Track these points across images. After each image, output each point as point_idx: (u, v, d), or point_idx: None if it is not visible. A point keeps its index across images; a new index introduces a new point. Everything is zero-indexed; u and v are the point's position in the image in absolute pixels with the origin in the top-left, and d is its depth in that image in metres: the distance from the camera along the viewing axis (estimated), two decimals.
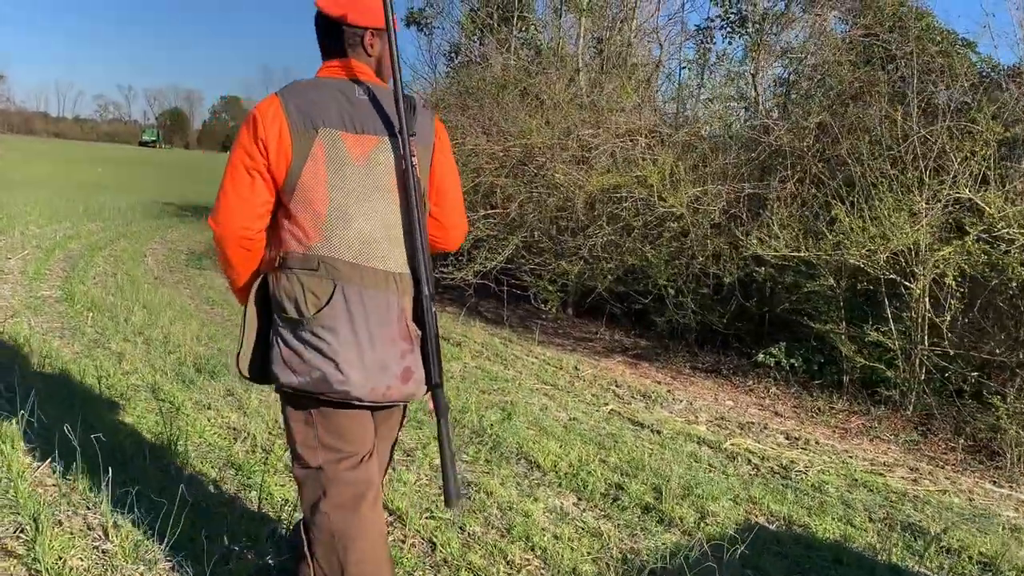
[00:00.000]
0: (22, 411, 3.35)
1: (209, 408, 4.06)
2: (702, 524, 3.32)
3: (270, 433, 3.79)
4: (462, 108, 7.62)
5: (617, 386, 5.57)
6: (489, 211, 7.21)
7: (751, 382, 6.22)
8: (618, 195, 6.62)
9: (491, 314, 8.00)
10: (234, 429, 3.83)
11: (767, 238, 5.36)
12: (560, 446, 4.04)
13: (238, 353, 2.07)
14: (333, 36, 2.08)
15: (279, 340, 1.98)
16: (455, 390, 4.89)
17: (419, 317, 2.06)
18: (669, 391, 5.64)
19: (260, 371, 2.06)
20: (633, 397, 5.35)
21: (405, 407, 2.30)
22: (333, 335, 1.93)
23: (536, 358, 6.16)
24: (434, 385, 2.09)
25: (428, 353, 2.07)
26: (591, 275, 6.72)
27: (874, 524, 3.54)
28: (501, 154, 7.12)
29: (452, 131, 7.49)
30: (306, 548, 2.05)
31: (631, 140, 6.87)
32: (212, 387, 4.40)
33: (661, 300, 6.66)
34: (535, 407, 4.76)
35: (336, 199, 1.97)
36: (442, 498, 2.33)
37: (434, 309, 2.09)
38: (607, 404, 5.04)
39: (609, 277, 6.51)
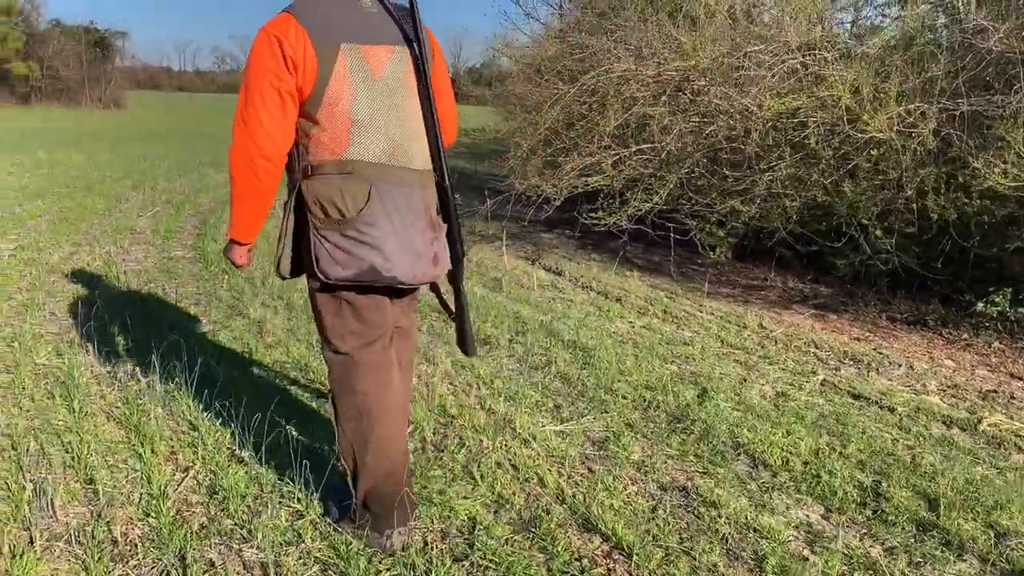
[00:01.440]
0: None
1: None
2: (1001, 547, 2.54)
3: (438, 426, 3.22)
4: (606, 32, 6.75)
5: (816, 347, 4.74)
6: (641, 145, 6.38)
7: (965, 335, 5.25)
8: (796, 120, 5.67)
9: (642, 261, 7.23)
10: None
11: (1009, 166, 4.34)
12: (782, 433, 3.30)
13: (279, 257, 2.26)
14: None
15: (323, 240, 2.14)
16: (632, 358, 4.21)
17: (443, 206, 2.33)
18: (877, 350, 4.77)
19: (295, 271, 2.30)
20: (841, 361, 4.51)
21: (435, 284, 2.48)
22: (376, 229, 2.13)
23: (711, 314, 5.38)
24: (458, 260, 2.39)
25: (453, 237, 2.36)
26: (766, 215, 5.82)
27: None
28: (654, 80, 6.25)
29: (594, 57, 6.66)
30: (335, 420, 2.35)
31: (810, 55, 5.85)
32: None
33: (846, 241, 5.72)
34: (731, 379, 4.01)
35: (362, 108, 2.12)
36: (460, 348, 2.61)
37: (455, 197, 2.36)
38: (814, 372, 4.23)
39: (794, 217, 5.60)
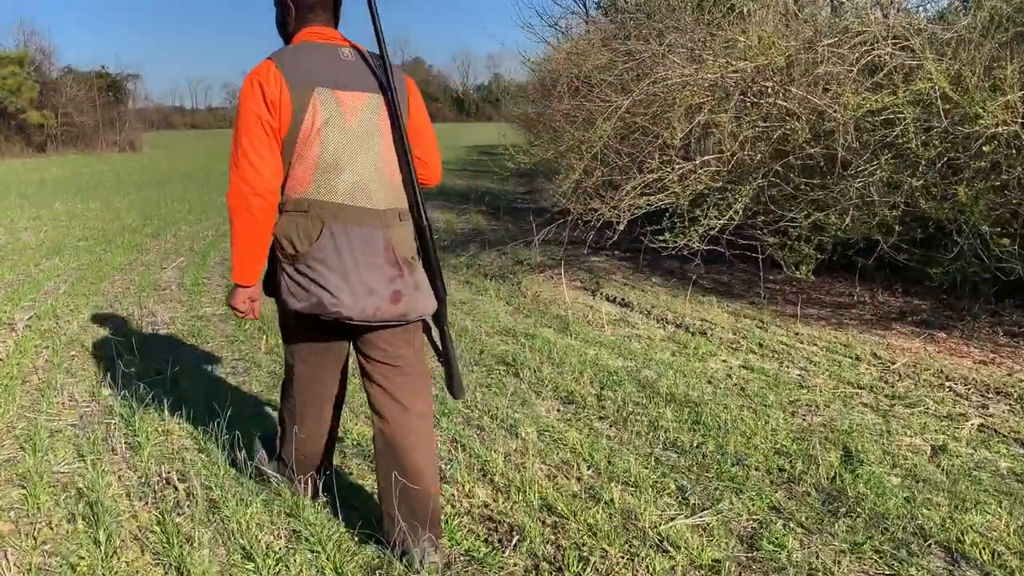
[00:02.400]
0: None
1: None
2: None
3: (547, 531, 2.60)
4: (657, 35, 6.14)
5: (948, 379, 4.09)
6: (707, 157, 5.76)
7: None
8: (881, 118, 5.04)
9: (709, 282, 6.60)
10: (491, 520, 2.67)
11: None
12: (968, 509, 2.65)
13: (264, 276, 2.41)
14: (315, 6, 2.39)
15: (283, 273, 2.31)
16: (747, 411, 3.58)
17: (421, 246, 2.41)
18: (1013, 375, 4.11)
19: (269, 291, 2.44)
20: (985, 396, 3.86)
21: (427, 326, 2.56)
22: (324, 266, 2.24)
23: (812, 344, 4.74)
24: (438, 300, 2.44)
25: (434, 273, 2.43)
26: (859, 226, 5.17)
27: None
28: (716, 84, 5.64)
29: (645, 64, 6.05)
30: (281, 394, 2.74)
31: (893, 44, 5.21)
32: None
33: (949, 249, 5.06)
34: (871, 432, 3.37)
35: (329, 150, 2.25)
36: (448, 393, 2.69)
37: (431, 234, 2.42)
38: (963, 414, 3.59)
39: (896, 227, 4.94)
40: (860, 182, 5.06)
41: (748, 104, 5.79)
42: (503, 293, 6.27)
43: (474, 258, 7.82)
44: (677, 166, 5.60)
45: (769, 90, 5.62)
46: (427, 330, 2.58)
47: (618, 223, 5.54)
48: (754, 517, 2.67)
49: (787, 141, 5.50)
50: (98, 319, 5.50)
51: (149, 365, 4.36)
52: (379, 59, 2.36)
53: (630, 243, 7.27)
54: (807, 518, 2.65)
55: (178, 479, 2.96)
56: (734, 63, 5.50)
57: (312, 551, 2.45)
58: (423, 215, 2.39)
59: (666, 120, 5.60)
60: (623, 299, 5.89)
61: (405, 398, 2.44)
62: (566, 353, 4.54)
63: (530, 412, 3.67)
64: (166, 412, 3.59)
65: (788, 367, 4.31)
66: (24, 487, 2.96)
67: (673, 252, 5.60)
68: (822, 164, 5.48)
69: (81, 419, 3.65)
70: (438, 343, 2.60)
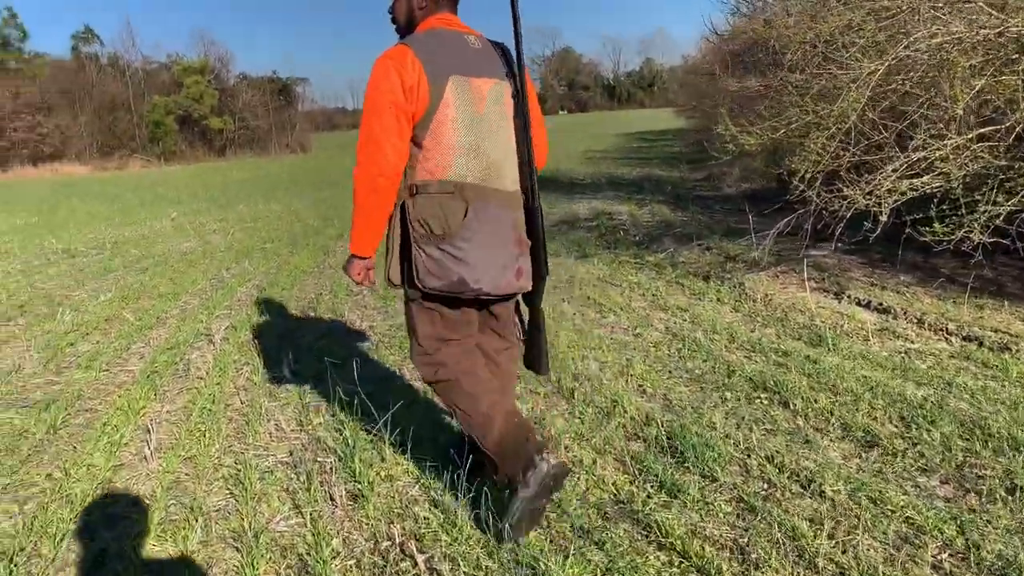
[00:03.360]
0: None
1: None
2: None
3: None
4: None
5: None
6: (983, 129, 4.73)
7: None
8: None
9: (973, 280, 5.51)
10: None
11: None
12: None
13: (389, 267, 2.46)
14: None
15: (422, 253, 2.36)
16: None
17: (530, 226, 2.50)
18: None
19: (400, 279, 2.48)
20: None
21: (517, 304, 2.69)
22: (468, 244, 2.33)
23: None
24: (540, 278, 2.53)
25: (539, 254, 2.50)
26: None
27: None
28: (998, 38, 4.60)
29: (896, 23, 5.05)
30: (448, 405, 2.61)
31: None
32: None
33: None
34: None
35: (464, 134, 2.33)
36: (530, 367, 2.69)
37: (542, 216, 2.52)
38: None
39: None
40: None
41: None
42: (725, 296, 5.48)
43: (674, 255, 7.05)
44: (949, 141, 4.61)
45: None
46: (516, 309, 2.72)
47: (882, 214, 4.60)
48: None
49: None
50: (294, 330, 5.18)
51: (355, 385, 3.92)
52: (499, 46, 2.51)
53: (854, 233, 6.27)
54: None
55: (416, 547, 2.42)
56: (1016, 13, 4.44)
57: None
58: (535, 197, 2.49)
59: (936, 87, 4.62)
60: (879, 303, 4.95)
61: (505, 367, 2.72)
62: (838, 375, 3.71)
63: (821, 458, 2.90)
64: (386, 448, 3.09)
65: None
66: (239, 548, 2.51)
67: (945, 246, 4.61)
68: None
69: (291, 455, 3.22)
70: (524, 320, 2.70)
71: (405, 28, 2.53)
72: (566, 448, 3.09)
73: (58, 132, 36.81)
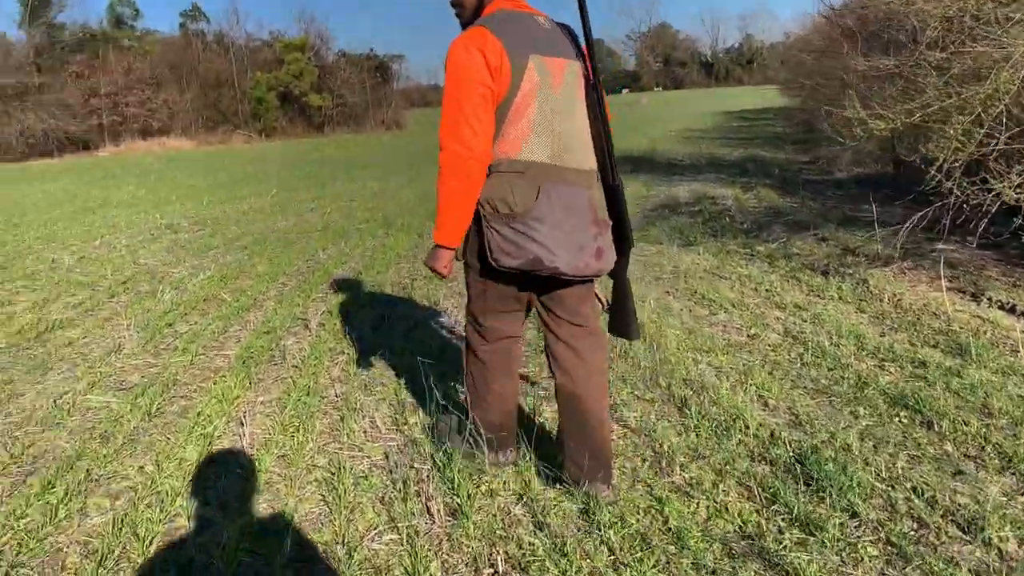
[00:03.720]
0: None
1: None
2: None
3: None
4: None
5: None
6: None
7: None
8: None
9: None
10: None
11: None
12: None
13: (462, 248, 2.45)
14: None
15: (494, 232, 2.33)
16: None
17: (611, 205, 2.50)
18: None
19: (472, 255, 2.48)
20: None
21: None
22: (541, 224, 2.30)
23: None
24: (623, 253, 2.53)
25: (623, 232, 2.51)
26: None
27: None
28: None
29: None
30: (464, 364, 2.76)
31: None
32: None
33: None
34: None
35: (541, 114, 2.32)
36: (617, 334, 2.68)
37: (623, 193, 2.51)
38: None
39: None
40: None
41: None
42: (847, 294, 5.05)
43: (786, 245, 6.61)
44: None
45: None
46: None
47: None
48: None
49: None
50: (390, 317, 5.04)
51: (452, 383, 3.72)
52: (564, 27, 2.52)
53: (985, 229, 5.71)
54: None
55: None
56: None
57: None
58: (616, 174, 2.48)
59: None
60: None
61: (587, 355, 2.58)
62: (988, 393, 3.30)
63: (979, 494, 2.54)
64: (486, 457, 2.88)
65: None
66: (332, 566, 2.34)
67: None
68: None
69: (387, 458, 3.05)
70: (601, 299, 2.68)
71: (472, 14, 2.52)
72: (681, 467, 2.81)
73: (166, 107, 38.23)
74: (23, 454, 3.28)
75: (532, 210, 2.29)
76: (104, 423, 3.56)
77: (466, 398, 2.81)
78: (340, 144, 30.92)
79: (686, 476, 2.75)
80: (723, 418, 3.20)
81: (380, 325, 4.86)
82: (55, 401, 3.87)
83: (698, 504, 2.56)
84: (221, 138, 38.04)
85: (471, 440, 2.80)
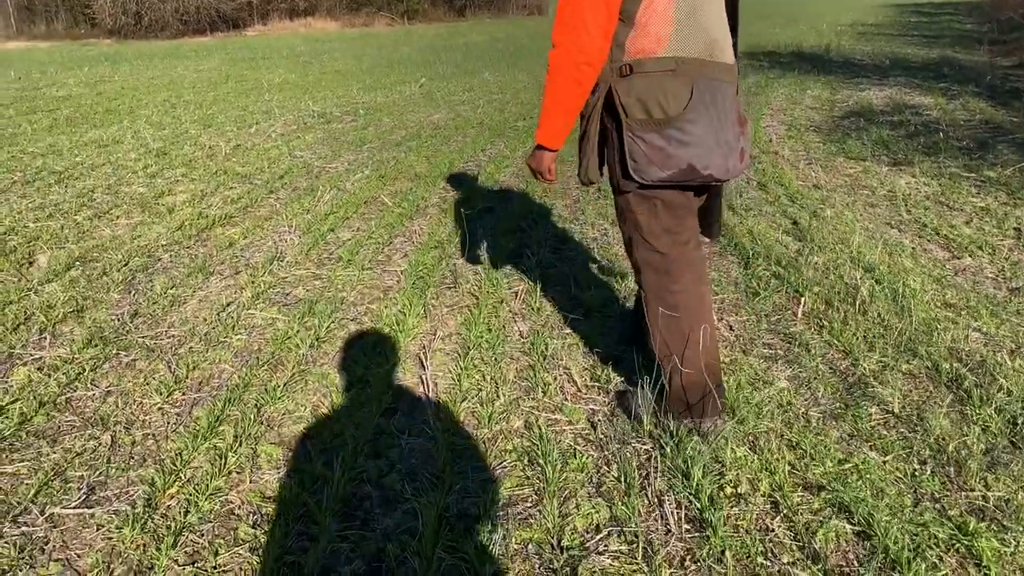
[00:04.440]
0: None
1: None
2: None
3: None
4: None
5: None
6: None
7: None
8: None
9: None
10: None
11: None
12: None
13: (587, 165, 2.28)
14: None
15: (639, 141, 2.11)
16: None
17: None
18: None
19: (604, 174, 2.32)
20: None
21: None
22: (696, 127, 2.07)
23: None
24: None
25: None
26: None
27: None
28: None
29: None
30: (647, 320, 2.35)
31: None
32: None
33: None
34: None
35: (681, 5, 2.07)
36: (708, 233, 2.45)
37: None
38: None
39: None
40: None
41: None
42: None
43: (1021, 172, 5.59)
44: None
45: None
46: None
47: None
48: None
49: None
50: (569, 241, 4.51)
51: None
52: None
53: None
54: None
55: None
56: None
57: None
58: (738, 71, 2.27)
59: None
60: None
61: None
62: None
63: None
64: (728, 444, 2.35)
65: None
66: None
67: None
68: None
69: (593, 428, 2.57)
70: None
71: None
72: (979, 479, 2.20)
73: None
74: (187, 376, 3.02)
75: (687, 112, 2.07)
76: (271, 344, 3.26)
77: (657, 359, 2.38)
78: (482, 28, 29.93)
79: (992, 495, 2.14)
80: (1014, 408, 2.54)
81: (561, 250, 4.35)
82: (218, 314, 3.60)
83: (1018, 544, 1.96)
84: (365, 20, 37.68)
85: (671, 411, 2.41)
